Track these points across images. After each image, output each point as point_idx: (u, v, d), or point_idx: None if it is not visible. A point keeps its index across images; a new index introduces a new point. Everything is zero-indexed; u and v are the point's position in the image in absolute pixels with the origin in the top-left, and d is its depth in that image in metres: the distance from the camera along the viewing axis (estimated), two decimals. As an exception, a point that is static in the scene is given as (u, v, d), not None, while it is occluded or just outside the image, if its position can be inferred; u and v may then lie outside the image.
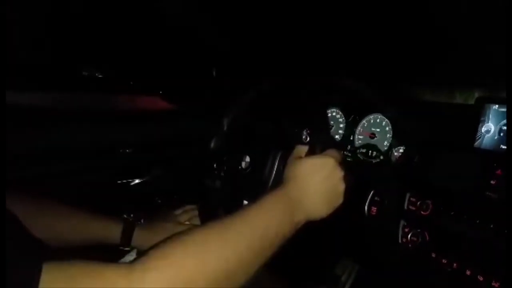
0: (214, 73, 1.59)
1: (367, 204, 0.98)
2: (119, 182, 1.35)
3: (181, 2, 1.40)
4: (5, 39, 0.82)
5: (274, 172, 1.00)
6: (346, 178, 0.74)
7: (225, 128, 1.04)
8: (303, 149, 0.79)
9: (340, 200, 0.74)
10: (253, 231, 0.61)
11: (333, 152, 0.76)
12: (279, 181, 0.75)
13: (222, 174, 1.14)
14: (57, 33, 1.26)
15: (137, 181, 1.41)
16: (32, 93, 1.12)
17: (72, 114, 1.21)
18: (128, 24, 1.37)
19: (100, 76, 1.38)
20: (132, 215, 0.99)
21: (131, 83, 1.45)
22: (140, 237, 0.96)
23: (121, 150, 1.31)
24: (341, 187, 0.73)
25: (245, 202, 1.04)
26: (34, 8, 1.17)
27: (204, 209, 1.14)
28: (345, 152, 1.17)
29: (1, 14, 0.72)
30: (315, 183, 0.70)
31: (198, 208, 1.12)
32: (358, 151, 1.14)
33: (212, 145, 1.13)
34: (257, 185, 1.03)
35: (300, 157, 0.76)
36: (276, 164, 1.00)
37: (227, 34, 1.50)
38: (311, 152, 0.77)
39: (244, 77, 1.54)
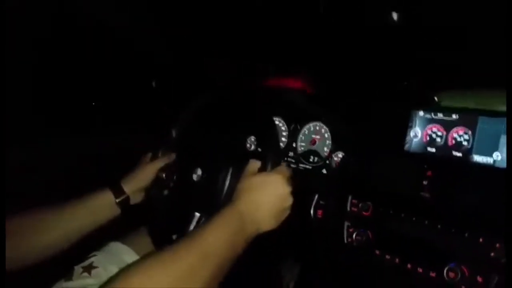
0: (154, 84, 1.55)
1: (312, 207, 1.02)
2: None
3: (119, 14, 1.34)
4: (5, 39, 0.77)
5: (226, 185, 1.00)
6: (293, 193, 0.79)
7: (173, 136, 1.02)
8: (256, 165, 0.82)
9: (287, 213, 0.79)
10: (207, 249, 0.63)
11: (282, 169, 0.81)
12: (232, 194, 0.78)
13: (172, 184, 1.11)
14: None
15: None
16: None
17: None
18: (65, 36, 1.29)
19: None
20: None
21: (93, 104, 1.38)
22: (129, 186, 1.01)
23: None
24: (289, 201, 0.78)
25: (197, 214, 1.02)
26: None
27: (152, 220, 1.11)
28: (288, 159, 1.20)
29: (1, 14, 0.67)
30: (264, 198, 0.75)
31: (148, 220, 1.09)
32: (300, 157, 1.18)
33: (160, 154, 1.11)
34: (209, 198, 1.01)
35: (253, 173, 0.80)
36: (228, 178, 1.00)
37: (168, 45, 1.47)
38: (263, 169, 0.80)
39: (185, 88, 1.52)
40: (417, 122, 0.99)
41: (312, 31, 1.16)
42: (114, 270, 0.98)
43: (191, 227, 0.97)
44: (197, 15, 1.35)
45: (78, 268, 0.96)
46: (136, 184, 1.04)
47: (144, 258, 0.61)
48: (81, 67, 1.43)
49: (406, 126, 1.00)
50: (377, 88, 1.07)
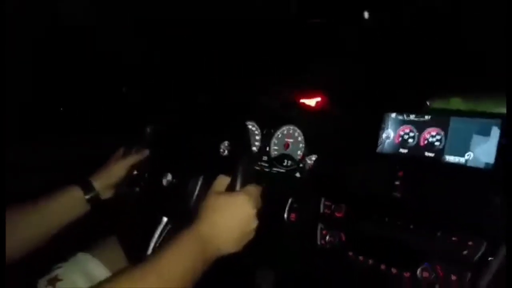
0: (124, 89, 1.52)
1: (286, 211, 0.99)
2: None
3: (92, 17, 1.32)
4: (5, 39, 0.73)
5: (195, 193, 0.97)
6: (259, 215, 0.75)
7: (148, 133, 1.00)
8: (224, 181, 0.79)
9: (251, 236, 0.76)
10: (166, 273, 0.63)
11: (250, 188, 0.77)
12: (200, 202, 0.76)
13: (142, 183, 1.09)
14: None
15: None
16: None
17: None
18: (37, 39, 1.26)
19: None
20: None
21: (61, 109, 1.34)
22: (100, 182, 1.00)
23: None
24: (253, 224, 0.75)
25: (165, 219, 0.99)
26: None
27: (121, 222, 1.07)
28: (262, 163, 1.18)
29: (1, 14, 0.65)
30: (227, 221, 0.72)
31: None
32: (274, 161, 1.16)
33: (133, 150, 1.08)
34: (178, 204, 0.99)
35: (219, 191, 0.77)
36: (199, 185, 0.98)
37: (138, 51, 1.45)
38: (230, 187, 0.77)
39: (154, 93, 1.49)
40: (390, 123, 0.98)
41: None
42: (79, 281, 0.94)
43: (158, 231, 0.94)
44: (170, 21, 1.34)
45: (42, 281, 0.92)
46: (106, 180, 1.02)
47: (101, 283, 0.61)
48: (53, 70, 1.40)
49: (378, 128, 0.99)
50: (350, 90, 1.06)
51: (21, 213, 0.88)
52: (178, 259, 0.66)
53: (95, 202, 0.99)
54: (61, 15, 1.30)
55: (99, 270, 1.01)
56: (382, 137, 0.99)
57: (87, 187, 0.98)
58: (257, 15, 1.10)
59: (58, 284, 0.92)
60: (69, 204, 0.95)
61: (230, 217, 0.72)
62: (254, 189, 0.77)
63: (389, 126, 0.98)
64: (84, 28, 1.35)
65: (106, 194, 1.03)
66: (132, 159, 1.06)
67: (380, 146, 0.99)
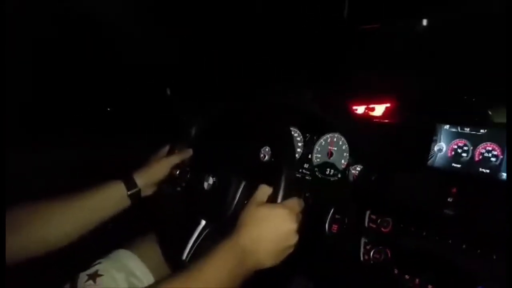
0: (168, 92, 1.53)
1: (327, 222, 0.95)
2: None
3: (133, 22, 1.33)
4: (5, 38, 0.75)
5: (236, 199, 0.95)
6: (300, 230, 0.73)
7: (192, 134, 0.99)
8: (266, 191, 0.77)
9: (290, 251, 0.74)
10: (206, 283, 0.65)
11: (293, 202, 0.75)
12: (240, 209, 0.76)
13: (183, 184, 1.08)
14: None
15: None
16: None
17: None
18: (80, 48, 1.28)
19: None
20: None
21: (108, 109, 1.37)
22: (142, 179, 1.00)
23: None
24: (293, 240, 0.73)
25: (203, 221, 0.98)
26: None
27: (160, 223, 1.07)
28: (303, 171, 1.14)
29: (1, 14, 0.67)
30: (267, 235, 0.71)
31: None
32: (316, 169, 1.12)
33: (177, 150, 1.09)
34: (218, 208, 0.97)
35: (260, 202, 0.75)
36: (239, 193, 0.96)
37: (182, 54, 1.45)
38: (272, 198, 0.75)
39: (199, 97, 1.49)
40: (443, 136, 0.92)
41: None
42: (119, 277, 0.95)
43: (196, 234, 0.93)
44: (214, 24, 1.33)
45: (83, 275, 0.94)
46: (149, 178, 1.02)
47: None
48: (99, 73, 1.43)
49: (430, 140, 0.93)
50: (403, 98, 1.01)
51: (61, 204, 0.89)
52: (218, 272, 0.66)
53: (137, 198, 0.99)
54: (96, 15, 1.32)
55: (138, 268, 1.02)
56: (433, 149, 0.93)
57: (130, 183, 0.98)
58: (309, 20, 1.07)
59: (98, 279, 0.93)
60: (112, 198, 0.96)
61: (271, 231, 0.71)
62: (296, 203, 0.75)
63: (442, 139, 0.92)
64: (131, 31, 1.37)
65: (148, 192, 1.03)
66: (175, 158, 1.06)
67: (432, 159, 0.93)
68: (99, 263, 0.99)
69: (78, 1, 1.24)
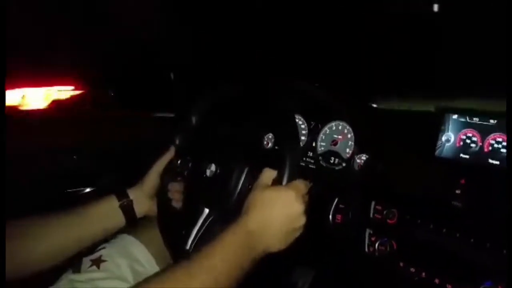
0: (172, 76, 1.48)
1: (331, 211, 0.92)
2: (69, 191, 1.20)
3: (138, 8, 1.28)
4: (5, 38, 0.77)
5: (240, 185, 0.92)
6: (307, 212, 0.72)
7: (193, 122, 0.95)
8: (270, 174, 0.75)
9: (299, 233, 0.73)
10: (215, 270, 0.63)
11: (298, 184, 0.74)
12: (244, 195, 0.75)
13: (185, 173, 1.05)
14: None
15: (88, 190, 1.26)
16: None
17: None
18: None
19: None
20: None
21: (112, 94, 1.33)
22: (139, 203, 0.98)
23: (74, 156, 1.17)
24: (301, 221, 0.72)
25: (206, 210, 0.95)
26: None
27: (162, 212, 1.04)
28: (307, 159, 1.11)
29: (1, 14, 0.62)
30: (275, 217, 0.69)
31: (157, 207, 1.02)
32: (320, 158, 1.08)
33: (177, 141, 1.05)
34: (221, 196, 0.94)
35: (265, 185, 0.74)
36: (243, 177, 0.92)
37: (186, 38, 1.40)
38: (277, 181, 0.73)
39: (203, 80, 1.45)
40: (451, 125, 0.88)
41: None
42: (122, 263, 0.94)
43: (199, 223, 0.90)
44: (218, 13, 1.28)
45: (86, 260, 0.92)
46: (141, 190, 0.99)
47: (148, 280, 0.63)
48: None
49: (438, 129, 0.89)
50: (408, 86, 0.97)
51: (53, 220, 0.88)
52: (226, 257, 0.64)
53: (129, 211, 0.97)
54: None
55: (142, 254, 0.99)
56: (441, 139, 0.89)
57: (121, 195, 0.96)
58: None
59: (102, 265, 0.91)
60: (104, 214, 0.94)
61: (279, 212, 0.69)
62: (302, 185, 0.74)
63: (450, 129, 0.88)
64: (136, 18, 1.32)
65: (143, 205, 1.00)
66: (159, 165, 1.02)
67: (439, 150, 0.89)
68: (103, 248, 0.96)
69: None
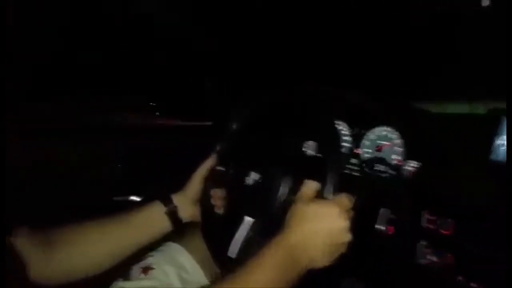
0: (208, 85, 1.48)
1: (383, 222, 0.88)
2: (114, 199, 1.22)
3: (173, 15, 1.29)
4: (5, 38, 0.78)
5: (279, 197, 0.90)
6: (351, 227, 0.70)
7: (234, 129, 0.94)
8: (313, 186, 0.73)
9: (343, 249, 0.71)
10: (260, 283, 0.63)
11: (343, 199, 0.71)
12: (285, 204, 0.75)
13: (227, 180, 1.04)
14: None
15: (133, 197, 1.28)
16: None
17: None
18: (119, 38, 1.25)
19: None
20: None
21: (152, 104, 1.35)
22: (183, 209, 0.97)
23: (119, 165, 1.18)
24: (346, 238, 0.70)
25: (247, 218, 0.94)
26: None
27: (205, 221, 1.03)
28: (351, 166, 1.07)
29: (1, 14, 0.68)
30: (319, 232, 0.68)
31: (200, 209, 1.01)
32: (364, 165, 1.04)
33: (218, 148, 1.05)
34: (261, 205, 0.92)
35: (309, 198, 0.72)
36: (283, 189, 0.90)
37: (221, 44, 1.40)
38: (321, 194, 0.72)
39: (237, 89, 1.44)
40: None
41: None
42: (170, 271, 0.95)
43: (243, 232, 0.89)
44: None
45: (136, 268, 0.93)
46: (185, 195, 0.99)
47: None
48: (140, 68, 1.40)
49: (492, 133, 0.84)
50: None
51: (98, 227, 0.89)
52: (269, 271, 0.64)
53: (174, 216, 0.97)
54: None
55: (188, 262, 1.00)
56: (496, 143, 0.83)
57: (166, 201, 0.97)
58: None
59: (150, 272, 0.92)
60: (149, 221, 0.94)
61: (323, 228, 0.67)
62: (346, 200, 0.71)
63: (505, 132, 0.82)
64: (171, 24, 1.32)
65: (187, 211, 1.00)
66: (202, 171, 1.01)
67: (494, 155, 0.83)
68: (151, 255, 0.98)
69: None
